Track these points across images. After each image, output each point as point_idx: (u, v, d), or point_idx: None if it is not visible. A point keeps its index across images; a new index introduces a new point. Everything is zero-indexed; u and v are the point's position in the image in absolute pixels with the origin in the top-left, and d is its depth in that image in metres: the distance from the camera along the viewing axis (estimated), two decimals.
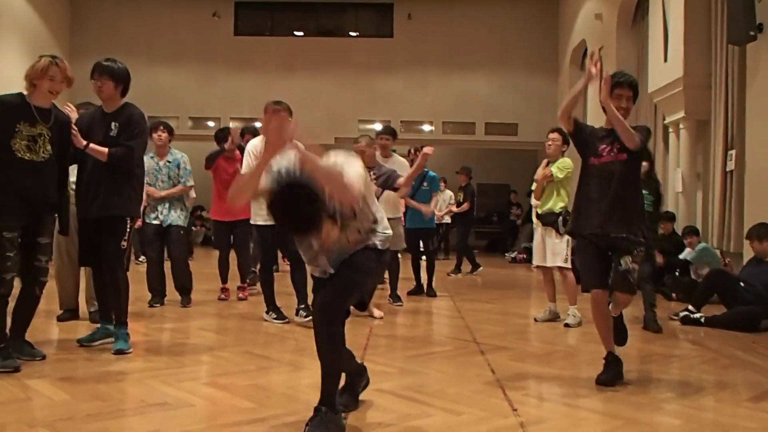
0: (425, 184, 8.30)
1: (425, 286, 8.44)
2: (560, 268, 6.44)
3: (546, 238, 6.42)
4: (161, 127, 6.94)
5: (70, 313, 5.86)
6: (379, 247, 3.20)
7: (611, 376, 4.10)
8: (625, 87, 4.18)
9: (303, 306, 5.82)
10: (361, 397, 3.59)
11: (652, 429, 3.25)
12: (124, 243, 4.69)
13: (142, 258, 12.15)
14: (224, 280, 7.53)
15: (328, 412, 3.00)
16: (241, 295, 7.45)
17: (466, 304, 7.73)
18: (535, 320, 6.52)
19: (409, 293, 8.34)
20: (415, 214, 8.15)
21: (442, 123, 18.30)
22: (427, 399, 3.63)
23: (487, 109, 17.95)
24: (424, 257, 8.55)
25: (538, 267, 6.76)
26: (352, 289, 3.13)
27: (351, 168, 2.95)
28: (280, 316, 5.94)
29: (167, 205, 6.83)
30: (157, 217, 6.82)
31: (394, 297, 7.43)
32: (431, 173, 8.53)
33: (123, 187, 4.64)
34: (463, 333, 5.77)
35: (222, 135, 7.69)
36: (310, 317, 5.26)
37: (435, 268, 8.67)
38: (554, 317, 6.49)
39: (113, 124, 4.71)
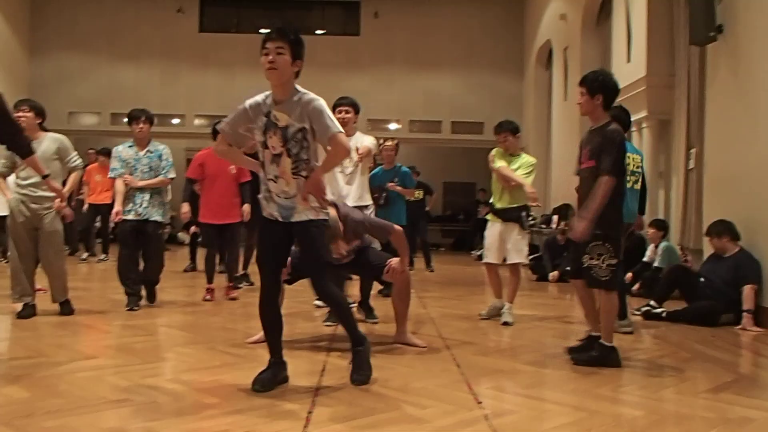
0: (396, 179, 7.99)
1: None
2: (514, 264, 6.26)
3: (507, 234, 6.23)
4: (143, 118, 6.52)
5: (30, 309, 5.80)
6: (321, 217, 3.74)
7: (577, 352, 4.58)
8: (580, 85, 4.61)
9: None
10: (327, 392, 3.60)
11: (614, 420, 3.29)
12: None
13: (103, 256, 11.94)
14: (210, 280, 7.28)
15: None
16: (233, 294, 7.25)
17: (432, 301, 7.75)
18: (480, 316, 6.35)
19: (381, 293, 8.31)
20: (388, 211, 7.46)
21: (408, 121, 18.35)
22: (392, 393, 3.63)
23: (454, 108, 18.04)
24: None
25: (487, 264, 6.48)
26: (322, 263, 3.80)
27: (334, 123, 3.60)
28: None
29: (147, 197, 6.43)
30: (134, 211, 6.40)
31: (366, 310, 6.22)
32: (404, 168, 8.27)
33: None
34: (428, 329, 5.78)
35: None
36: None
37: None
38: (499, 313, 6.29)
39: None
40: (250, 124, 3.67)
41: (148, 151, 6.55)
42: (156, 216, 6.47)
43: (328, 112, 3.60)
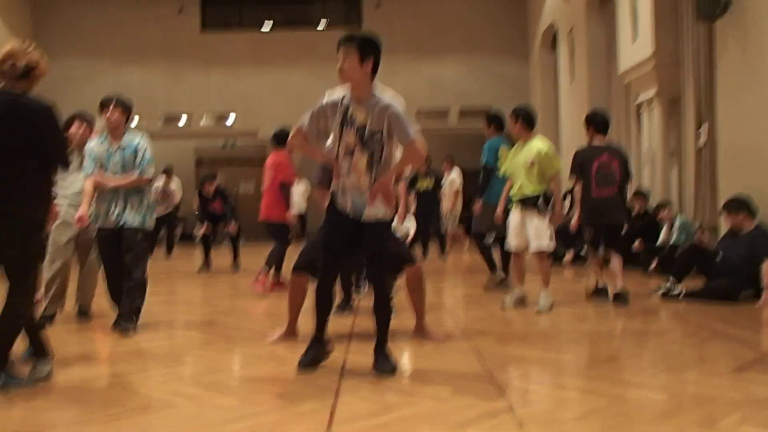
0: None
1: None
2: (538, 253, 6.14)
3: (527, 220, 6.14)
4: (113, 103, 5.36)
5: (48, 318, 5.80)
6: (389, 217, 3.96)
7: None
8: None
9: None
10: (349, 389, 3.58)
11: (636, 405, 3.26)
12: None
13: None
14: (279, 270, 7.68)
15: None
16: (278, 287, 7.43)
17: (447, 290, 7.74)
18: (503, 306, 6.21)
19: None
20: None
21: (416, 111, 18.26)
22: (414, 388, 3.61)
23: (460, 95, 17.93)
24: None
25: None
26: (386, 261, 4.09)
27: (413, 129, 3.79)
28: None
29: (122, 203, 5.33)
30: (108, 219, 5.34)
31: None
32: None
33: None
34: (445, 319, 5.76)
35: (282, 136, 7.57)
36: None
37: None
38: (521, 301, 6.21)
39: None
40: (327, 120, 3.85)
41: (120, 145, 5.39)
42: (133, 222, 5.33)
43: (405, 117, 3.78)
